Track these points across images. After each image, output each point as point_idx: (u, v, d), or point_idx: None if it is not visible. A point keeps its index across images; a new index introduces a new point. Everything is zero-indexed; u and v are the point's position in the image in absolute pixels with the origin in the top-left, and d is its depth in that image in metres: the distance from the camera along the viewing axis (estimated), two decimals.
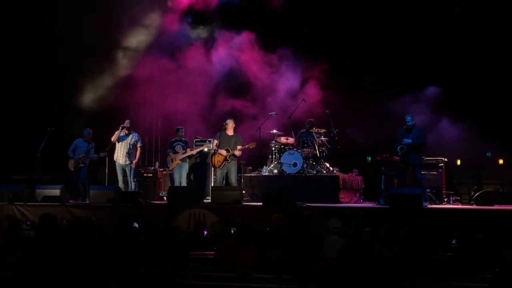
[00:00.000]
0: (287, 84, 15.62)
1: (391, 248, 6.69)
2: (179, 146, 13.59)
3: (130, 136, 13.58)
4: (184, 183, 13.50)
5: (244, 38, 15.83)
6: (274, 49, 15.67)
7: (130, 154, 13.50)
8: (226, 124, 13.28)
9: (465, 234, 6.90)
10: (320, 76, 15.28)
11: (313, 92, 15.19)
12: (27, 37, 15.85)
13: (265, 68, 15.77)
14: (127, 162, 13.50)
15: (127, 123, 13.52)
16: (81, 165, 13.48)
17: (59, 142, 14.00)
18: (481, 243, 6.65)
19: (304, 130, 14.20)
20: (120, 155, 13.54)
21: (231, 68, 15.99)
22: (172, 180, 14.01)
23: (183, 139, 13.74)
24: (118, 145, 13.54)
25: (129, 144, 13.51)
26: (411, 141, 12.10)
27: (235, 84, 16.02)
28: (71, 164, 13.56)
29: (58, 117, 15.11)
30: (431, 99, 14.31)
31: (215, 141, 13.14)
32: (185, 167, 13.67)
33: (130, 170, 13.52)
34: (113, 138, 13.48)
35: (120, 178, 13.60)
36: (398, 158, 12.63)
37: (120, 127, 13.47)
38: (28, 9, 15.79)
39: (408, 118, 12.32)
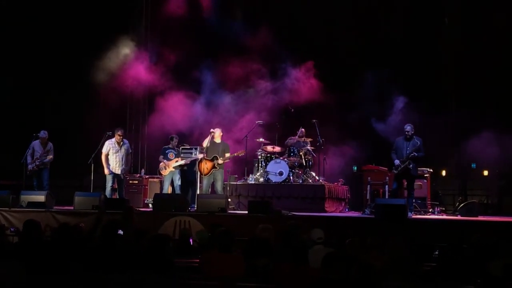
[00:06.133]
0: None
1: (377, 258, 6.69)
2: (171, 153, 13.57)
3: (123, 144, 13.49)
4: (178, 191, 13.48)
5: None
6: None
7: (124, 162, 13.42)
8: (213, 132, 13.27)
9: (451, 245, 6.92)
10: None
11: None
12: (14, 39, 15.86)
13: None
14: (122, 171, 13.41)
15: (121, 132, 13.40)
16: (36, 168, 13.28)
17: None
18: (467, 254, 6.67)
19: (294, 138, 14.16)
20: (116, 165, 13.35)
21: None
22: (162, 187, 13.93)
23: (176, 148, 13.70)
24: (113, 155, 13.31)
25: (124, 153, 13.41)
26: (416, 154, 11.80)
27: None
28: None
29: (43, 121, 15.02)
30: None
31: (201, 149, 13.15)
32: (178, 175, 13.63)
33: (123, 178, 13.49)
34: (104, 151, 13.29)
35: (109, 185, 13.34)
36: (385, 168, 12.59)
37: (114, 139, 13.31)
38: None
39: (408, 128, 12.01)
